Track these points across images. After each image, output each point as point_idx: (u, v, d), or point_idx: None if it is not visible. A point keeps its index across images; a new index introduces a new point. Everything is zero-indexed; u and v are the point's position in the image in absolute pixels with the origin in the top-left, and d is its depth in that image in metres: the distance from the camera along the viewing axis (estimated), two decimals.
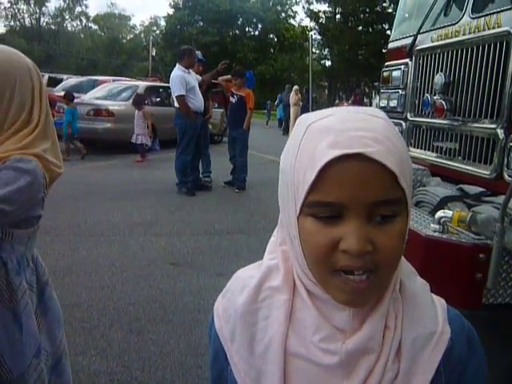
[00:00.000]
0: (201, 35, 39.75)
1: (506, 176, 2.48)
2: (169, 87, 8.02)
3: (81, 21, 63.96)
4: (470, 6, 2.83)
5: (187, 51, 7.50)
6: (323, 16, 35.40)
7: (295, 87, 20.94)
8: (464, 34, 2.83)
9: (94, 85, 14.23)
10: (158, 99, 12.92)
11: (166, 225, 5.88)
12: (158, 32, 58.59)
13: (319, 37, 37.02)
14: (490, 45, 2.58)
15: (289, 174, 0.67)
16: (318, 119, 0.67)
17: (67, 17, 61.86)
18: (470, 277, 2.12)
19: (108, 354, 2.97)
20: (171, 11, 44.65)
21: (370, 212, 0.63)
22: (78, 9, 62.10)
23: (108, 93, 12.54)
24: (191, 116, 7.28)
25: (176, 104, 7.38)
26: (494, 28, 2.58)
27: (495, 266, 2.04)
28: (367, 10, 32.68)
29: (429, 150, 3.28)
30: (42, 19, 58.63)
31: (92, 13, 69.36)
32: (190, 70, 7.43)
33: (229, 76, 8.20)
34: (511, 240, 2.04)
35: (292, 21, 46.49)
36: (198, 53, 8.56)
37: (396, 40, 3.75)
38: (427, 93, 3.16)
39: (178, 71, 7.27)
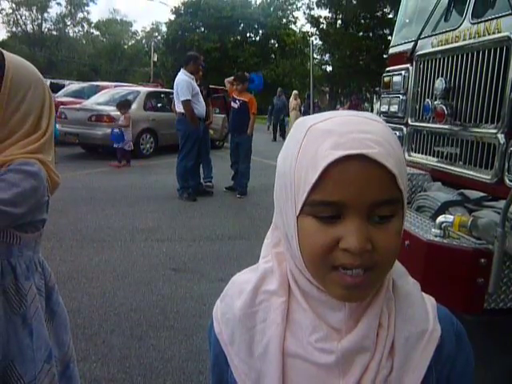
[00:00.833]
0: (202, 41, 39.86)
1: (507, 181, 2.48)
2: (170, 93, 8.03)
3: (83, 27, 64.12)
4: (470, 11, 2.85)
5: (193, 57, 7.52)
6: (324, 22, 35.48)
7: (294, 92, 20.85)
8: (464, 40, 2.84)
9: (96, 90, 14.24)
10: (160, 105, 12.95)
11: (168, 230, 5.88)
12: (159, 38, 58.81)
13: (320, 42, 37.10)
14: (490, 50, 2.58)
15: (288, 175, 0.68)
16: (318, 121, 0.68)
17: (69, 23, 61.99)
18: (471, 282, 2.11)
19: (109, 360, 2.96)
20: (172, 17, 44.77)
21: (369, 212, 0.64)
22: (80, 15, 62.26)
23: (110, 98, 12.54)
24: (196, 121, 7.30)
25: (178, 109, 7.39)
26: (494, 33, 2.59)
27: (496, 270, 2.05)
28: (368, 15, 32.72)
29: (430, 154, 3.29)
30: (43, 25, 58.78)
31: (94, 19, 69.72)
32: (194, 76, 7.46)
33: (230, 78, 8.22)
34: None
35: (293, 26, 46.60)
36: None
37: (397, 45, 3.76)
38: (428, 98, 3.17)
39: (183, 76, 7.29)
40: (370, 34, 33.32)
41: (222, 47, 40.26)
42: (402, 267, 0.79)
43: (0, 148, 1.36)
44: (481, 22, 2.72)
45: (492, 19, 2.62)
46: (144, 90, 13.56)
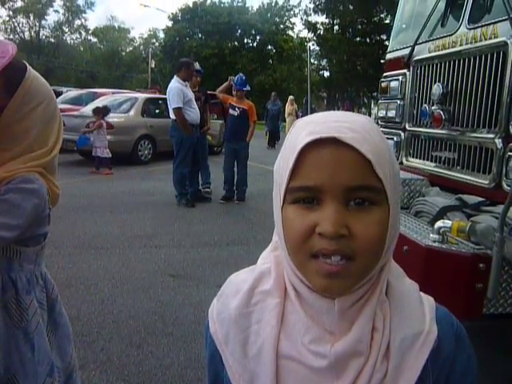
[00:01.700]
0: (200, 47, 39.98)
1: (505, 185, 2.48)
2: None
3: (80, 34, 64.17)
4: (466, 16, 2.86)
5: (184, 64, 7.54)
6: (321, 27, 35.64)
7: (290, 97, 20.79)
8: (461, 45, 2.85)
9: (94, 97, 14.25)
10: (158, 111, 12.95)
11: (166, 237, 5.87)
12: (157, 44, 58.92)
13: (317, 48, 37.27)
14: (487, 55, 2.59)
15: (277, 170, 0.72)
16: (304, 118, 0.73)
17: (67, 30, 62.07)
18: (470, 287, 2.11)
19: (108, 367, 2.95)
20: (170, 23, 44.95)
21: (346, 197, 0.65)
22: (78, 22, 62.30)
23: (107, 105, 12.55)
24: (188, 129, 7.30)
25: (172, 116, 7.41)
26: (490, 38, 2.60)
27: (495, 275, 2.04)
28: (365, 21, 32.88)
29: (427, 159, 3.29)
30: (41, 32, 58.84)
31: (91, 26, 69.50)
32: (187, 83, 7.47)
33: (226, 84, 8.17)
34: (511, 250, 2.04)
35: (290, 32, 46.83)
36: (196, 64, 8.60)
37: (394, 51, 3.77)
38: (425, 103, 3.18)
39: (175, 83, 7.30)
40: (367, 40, 33.49)
41: (219, 53, 40.40)
42: (399, 268, 0.79)
43: (2, 160, 1.35)
44: (477, 27, 2.73)
45: (488, 24, 2.63)
46: (142, 96, 13.56)
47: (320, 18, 45.38)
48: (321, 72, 39.33)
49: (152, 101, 13.25)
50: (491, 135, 2.58)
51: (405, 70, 3.46)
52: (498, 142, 2.53)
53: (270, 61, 44.49)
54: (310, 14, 37.62)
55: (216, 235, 5.98)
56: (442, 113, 2.92)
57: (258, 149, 15.79)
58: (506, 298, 2.15)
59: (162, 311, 3.74)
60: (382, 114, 3.84)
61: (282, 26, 46.33)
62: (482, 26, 2.69)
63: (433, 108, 3.01)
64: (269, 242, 0.82)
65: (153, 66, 45.45)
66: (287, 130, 18.67)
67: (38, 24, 58.22)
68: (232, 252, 5.31)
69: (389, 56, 3.88)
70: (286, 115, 19.57)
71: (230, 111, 7.89)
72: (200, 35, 43.43)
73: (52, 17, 63.46)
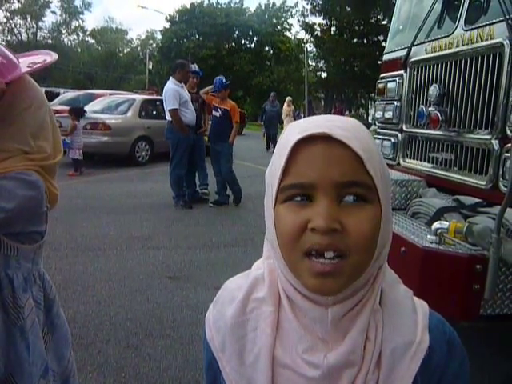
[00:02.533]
0: (197, 48, 39.95)
1: (502, 186, 2.49)
2: None
3: (78, 35, 64.11)
4: (463, 18, 2.86)
5: (179, 65, 7.54)
6: (318, 28, 35.63)
7: (288, 98, 20.73)
8: (457, 46, 2.86)
9: (91, 98, 14.22)
10: (155, 112, 12.95)
11: (164, 238, 5.86)
12: (154, 46, 58.84)
13: (315, 49, 37.27)
14: (484, 56, 2.60)
15: (269, 172, 0.73)
16: (296, 121, 0.74)
17: (64, 31, 61.97)
18: (467, 288, 2.11)
19: (105, 370, 2.94)
20: (167, 25, 44.87)
21: (338, 193, 0.66)
22: (75, 23, 62.28)
23: (105, 106, 12.56)
24: (184, 130, 7.29)
25: (168, 117, 7.39)
26: (487, 40, 2.60)
27: (492, 276, 2.05)
28: (362, 22, 32.89)
29: (424, 160, 3.29)
30: (38, 34, 58.73)
31: (89, 27, 69.58)
32: (183, 84, 7.46)
33: (210, 87, 8.09)
34: (508, 250, 2.04)
35: (288, 33, 46.80)
36: (194, 65, 8.59)
37: (390, 52, 3.77)
38: (422, 104, 3.18)
39: (171, 85, 7.30)
40: (364, 41, 33.51)
41: (217, 54, 40.34)
42: (394, 275, 0.79)
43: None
44: (474, 28, 2.74)
45: (485, 26, 2.64)
46: (139, 97, 13.56)
47: (317, 20, 45.36)
48: (318, 73, 39.30)
49: (149, 102, 13.24)
50: (488, 136, 2.59)
51: (402, 72, 3.46)
52: (495, 143, 2.53)
53: (268, 62, 44.45)
54: (307, 15, 37.53)
55: (213, 237, 5.97)
56: (438, 114, 2.93)
57: (255, 150, 15.82)
58: (503, 299, 2.15)
59: (159, 313, 3.74)
60: (379, 115, 3.84)
61: (279, 28, 46.31)
62: (479, 28, 2.69)
63: (430, 109, 3.01)
64: None
65: (150, 67, 45.36)
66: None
67: (35, 25, 58.18)
68: (229, 254, 5.30)
69: (386, 57, 3.88)
70: (283, 117, 19.49)
71: (213, 112, 7.78)
72: (197, 36, 43.34)
73: (49, 18, 63.59)
